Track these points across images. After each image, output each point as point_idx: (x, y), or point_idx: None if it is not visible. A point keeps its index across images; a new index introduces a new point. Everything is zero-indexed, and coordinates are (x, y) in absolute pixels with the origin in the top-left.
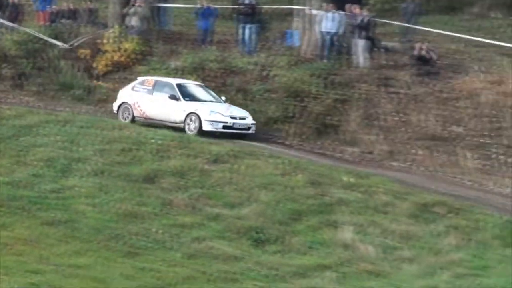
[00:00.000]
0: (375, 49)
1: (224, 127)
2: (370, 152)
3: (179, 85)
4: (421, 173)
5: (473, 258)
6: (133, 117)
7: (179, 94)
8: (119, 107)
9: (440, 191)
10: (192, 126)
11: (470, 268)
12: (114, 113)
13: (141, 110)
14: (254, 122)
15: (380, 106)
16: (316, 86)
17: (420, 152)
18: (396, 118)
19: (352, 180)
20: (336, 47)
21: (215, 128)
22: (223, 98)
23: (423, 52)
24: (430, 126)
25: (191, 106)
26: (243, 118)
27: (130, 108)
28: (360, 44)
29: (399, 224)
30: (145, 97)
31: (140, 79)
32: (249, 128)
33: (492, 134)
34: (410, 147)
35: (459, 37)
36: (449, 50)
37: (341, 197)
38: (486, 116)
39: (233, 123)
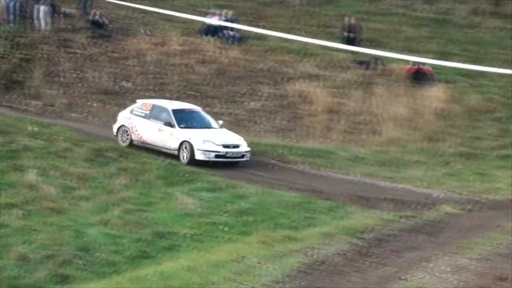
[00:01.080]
0: (56, 15)
1: (217, 156)
2: (52, 105)
3: (175, 111)
4: (96, 123)
5: (140, 195)
6: (131, 140)
7: (174, 121)
8: (118, 129)
9: (111, 138)
10: (185, 155)
11: (137, 204)
12: (114, 136)
13: (138, 134)
14: (248, 149)
15: (60, 65)
16: (4, 47)
17: (95, 104)
18: (74, 75)
19: (36, 129)
20: (20, 13)
21: (208, 157)
22: (220, 122)
23: (97, 17)
24: (103, 82)
25: (185, 133)
26: (237, 146)
27: (128, 132)
28: (42, 10)
29: (77, 167)
30: (143, 122)
31: (139, 102)
32: (243, 156)
33: (156, 89)
34: (86, 100)
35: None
36: (119, 15)
37: (26, 144)
38: (151, 73)
39: (226, 152)
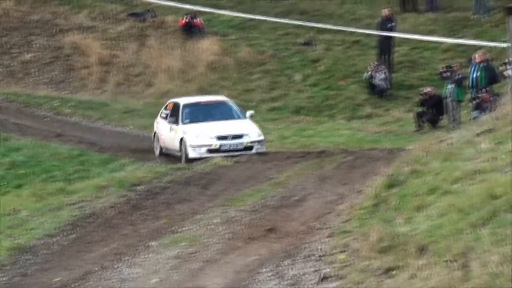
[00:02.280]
0: None
1: (209, 151)
2: None
3: (185, 106)
4: None
5: None
6: (161, 148)
7: (180, 117)
8: (153, 137)
9: None
10: (183, 154)
11: None
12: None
13: (162, 139)
14: (258, 139)
15: None
16: None
17: None
18: None
19: None
20: None
21: (199, 153)
22: (250, 113)
23: None
24: None
25: (184, 129)
26: (238, 137)
27: (158, 138)
28: None
29: None
30: (163, 124)
31: (167, 103)
32: (249, 148)
33: None
34: None
35: None
36: None
37: None
38: None
39: (220, 145)
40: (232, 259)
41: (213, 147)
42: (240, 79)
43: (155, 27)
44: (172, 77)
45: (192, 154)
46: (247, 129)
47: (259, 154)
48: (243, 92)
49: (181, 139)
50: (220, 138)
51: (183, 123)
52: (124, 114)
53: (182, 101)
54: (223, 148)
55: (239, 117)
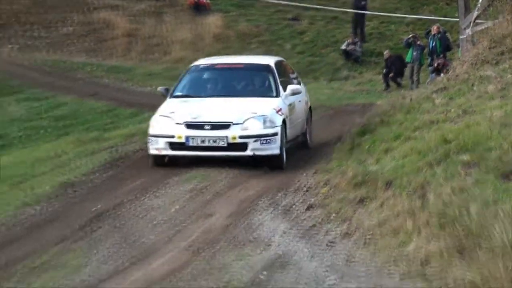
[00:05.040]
0: None
1: (172, 146)
2: None
3: (194, 70)
4: None
5: None
6: None
7: (174, 86)
8: None
9: None
10: None
11: None
12: None
13: None
14: (260, 132)
15: None
16: None
17: None
18: None
19: None
20: None
21: (157, 149)
22: (292, 88)
23: None
24: None
25: (159, 110)
26: (224, 126)
27: None
28: None
29: None
30: None
31: None
32: (239, 146)
33: None
34: None
35: None
36: None
37: None
38: None
39: (188, 138)
40: (235, 192)
41: (175, 139)
42: (240, 48)
43: (169, 5)
44: (185, 47)
45: (151, 150)
46: (250, 114)
47: (257, 157)
48: None
49: None
50: (191, 126)
51: (172, 96)
52: (147, 76)
53: (200, 61)
54: (190, 142)
55: (270, 94)
